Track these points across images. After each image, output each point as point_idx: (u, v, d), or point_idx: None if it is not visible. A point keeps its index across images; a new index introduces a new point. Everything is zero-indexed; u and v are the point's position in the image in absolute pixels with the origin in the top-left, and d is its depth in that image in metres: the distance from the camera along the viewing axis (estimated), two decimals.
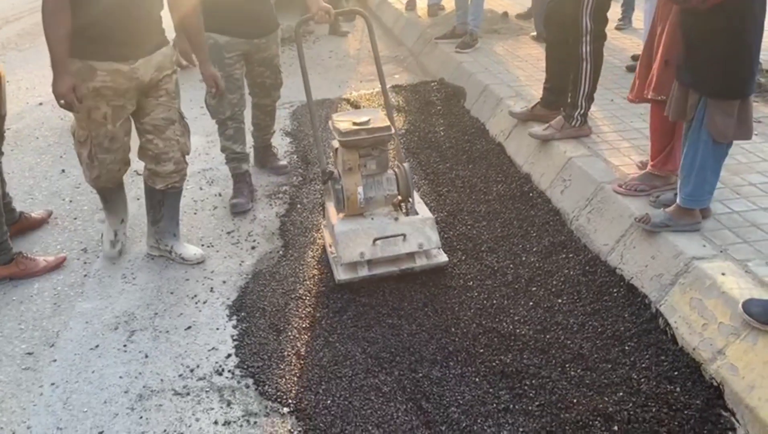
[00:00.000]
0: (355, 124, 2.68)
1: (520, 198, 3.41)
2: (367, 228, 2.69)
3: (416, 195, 2.85)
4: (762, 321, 2.02)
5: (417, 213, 2.77)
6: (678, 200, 2.53)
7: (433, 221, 2.74)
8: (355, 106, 5.04)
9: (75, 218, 3.48)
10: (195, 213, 3.52)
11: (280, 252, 3.12)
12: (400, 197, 2.80)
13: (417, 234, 2.69)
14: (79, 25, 2.44)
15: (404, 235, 2.67)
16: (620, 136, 3.54)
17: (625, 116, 3.78)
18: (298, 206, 3.54)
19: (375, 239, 2.66)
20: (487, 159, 3.88)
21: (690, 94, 2.40)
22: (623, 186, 2.91)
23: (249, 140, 3.77)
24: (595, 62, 3.29)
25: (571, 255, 2.88)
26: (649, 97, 2.76)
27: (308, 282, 2.84)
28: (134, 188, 3.69)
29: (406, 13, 7.14)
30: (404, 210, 2.79)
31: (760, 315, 2.03)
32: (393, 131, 2.74)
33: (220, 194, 3.71)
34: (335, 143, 2.85)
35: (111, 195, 3.05)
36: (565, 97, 3.50)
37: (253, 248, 3.18)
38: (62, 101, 2.52)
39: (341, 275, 2.71)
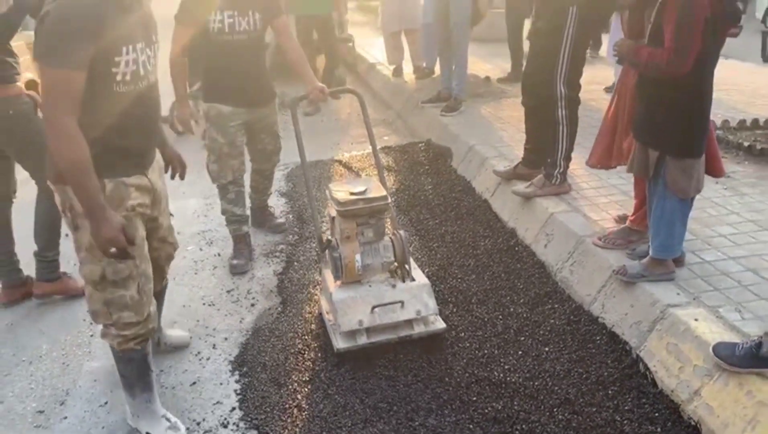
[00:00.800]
0: (352, 194, 2.74)
1: (506, 252, 3.59)
2: (365, 296, 2.72)
3: (412, 261, 2.90)
4: (730, 363, 2.17)
5: (413, 279, 2.80)
6: (650, 252, 2.72)
7: (430, 288, 2.78)
8: (347, 167, 5.26)
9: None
10: (195, 273, 3.66)
11: (279, 309, 3.25)
12: (396, 264, 2.84)
13: (414, 301, 2.72)
14: (101, 139, 2.02)
15: (402, 302, 2.70)
16: (598, 192, 3.76)
17: (602, 174, 4.00)
18: (295, 263, 3.69)
19: (373, 307, 2.68)
20: (474, 215, 4.08)
21: (650, 153, 2.62)
22: (602, 240, 3.10)
23: (247, 202, 3.95)
24: (571, 125, 3.53)
25: (556, 306, 3.04)
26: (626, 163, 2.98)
27: (306, 337, 2.97)
28: None
29: (393, 78, 7.48)
30: (401, 277, 2.81)
31: (728, 357, 2.18)
32: (389, 200, 2.81)
33: (219, 254, 3.86)
34: (332, 212, 2.89)
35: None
36: (545, 157, 3.73)
37: (252, 305, 3.31)
38: (113, 249, 1.99)
39: (340, 343, 2.72)
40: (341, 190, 2.81)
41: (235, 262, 3.67)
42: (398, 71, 7.54)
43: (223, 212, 3.76)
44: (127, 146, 2.14)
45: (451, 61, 5.80)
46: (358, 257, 2.75)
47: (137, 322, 2.26)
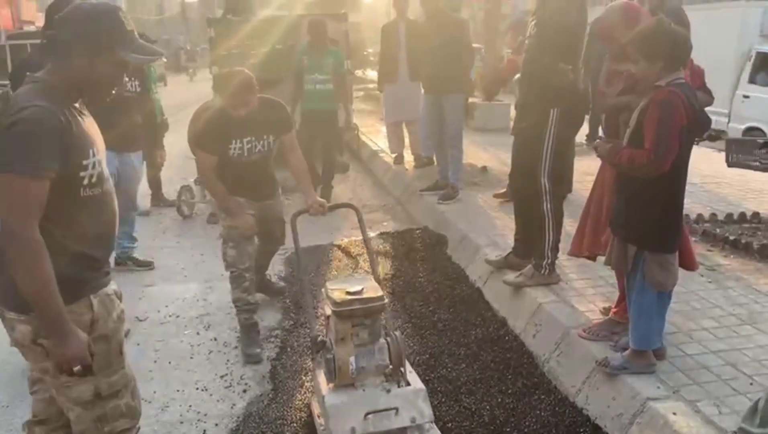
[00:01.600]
0: (348, 293, 2.69)
1: (497, 341, 3.65)
2: (359, 401, 2.61)
3: (408, 364, 2.80)
4: None
5: (409, 384, 2.69)
6: (630, 344, 2.79)
7: (426, 394, 2.67)
8: (346, 252, 5.40)
9: None
10: (191, 358, 3.72)
11: (270, 395, 3.30)
12: (392, 367, 2.73)
13: (409, 407, 2.62)
14: (76, 251, 1.95)
15: (396, 409, 2.59)
16: (586, 283, 3.86)
17: (591, 265, 4.10)
18: (289, 349, 3.76)
19: (367, 414, 2.57)
20: (466, 303, 4.17)
21: (628, 247, 2.75)
22: (586, 331, 3.18)
23: None
24: (557, 218, 3.68)
25: (543, 396, 3.08)
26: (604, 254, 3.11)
27: (295, 424, 3.01)
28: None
29: (394, 166, 7.75)
30: (396, 381, 2.71)
31: None
32: (386, 300, 2.76)
33: (215, 339, 3.94)
34: (327, 310, 2.84)
35: None
36: (534, 248, 3.86)
37: (244, 391, 3.36)
38: (78, 367, 1.90)
39: None
40: (338, 289, 2.75)
41: (250, 352, 3.69)
42: (399, 159, 7.83)
43: (236, 301, 3.80)
44: (98, 257, 2.03)
45: (446, 152, 6.05)
46: (352, 359, 2.66)
47: (131, 427, 2.15)
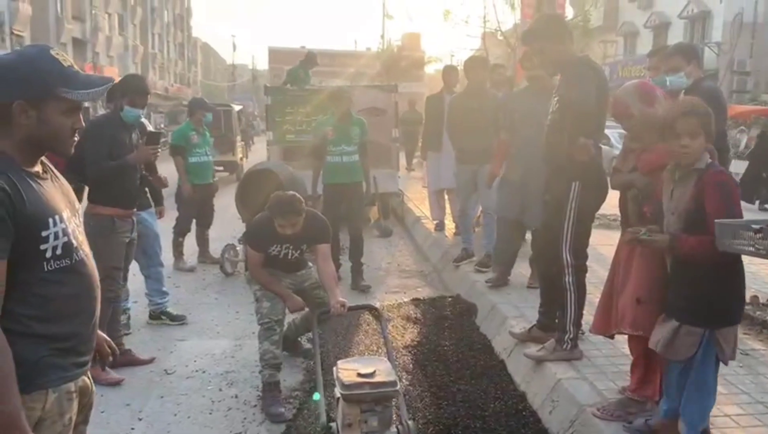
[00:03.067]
0: (359, 375, 2.57)
1: (514, 416, 3.57)
2: None
3: None
4: None
5: None
6: (686, 426, 2.68)
7: None
8: (377, 317, 5.41)
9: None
10: (210, 413, 3.80)
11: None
12: None
13: None
14: (37, 335, 1.71)
15: None
16: (609, 361, 3.76)
17: (617, 342, 4.01)
18: (305, 411, 3.78)
19: None
20: (488, 375, 4.11)
21: (690, 332, 2.62)
22: (600, 410, 3.09)
23: None
24: (579, 292, 3.64)
25: None
26: (626, 333, 3.08)
27: None
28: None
29: (435, 233, 7.83)
30: None
31: None
32: (399, 386, 2.61)
33: (236, 396, 4.01)
34: (337, 392, 2.72)
35: None
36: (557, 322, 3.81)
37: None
38: None
39: None
40: (349, 369, 2.64)
41: (273, 411, 3.72)
42: (440, 226, 7.91)
43: (264, 354, 3.87)
44: (65, 337, 1.76)
45: (469, 221, 6.19)
46: None
47: None
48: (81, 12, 35.69)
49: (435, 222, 8.02)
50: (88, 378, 1.94)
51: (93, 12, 37.22)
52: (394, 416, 2.61)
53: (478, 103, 5.97)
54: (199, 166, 6.97)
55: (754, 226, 2.26)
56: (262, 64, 58.36)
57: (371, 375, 2.56)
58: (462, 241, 6.45)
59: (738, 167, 15.20)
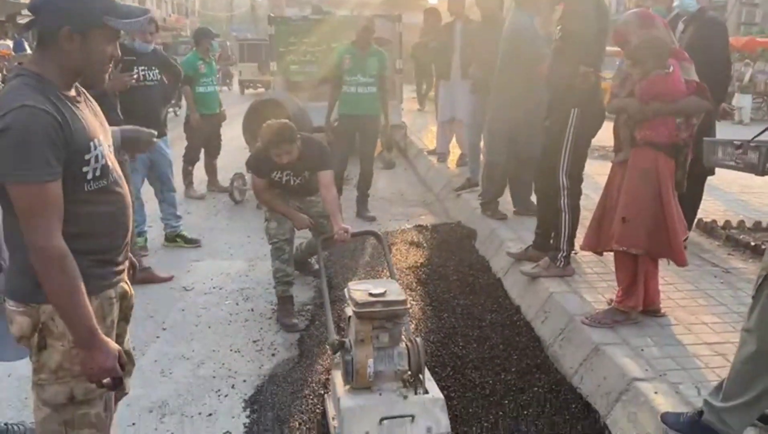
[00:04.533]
0: (371, 295, 2.66)
1: (509, 326, 3.88)
2: (375, 405, 2.58)
3: (427, 372, 2.75)
4: (675, 429, 2.41)
5: (427, 392, 2.64)
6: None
7: (444, 403, 2.62)
8: (380, 241, 5.68)
9: None
10: (229, 324, 4.10)
11: (296, 360, 3.63)
12: (410, 373, 2.70)
13: (426, 416, 2.56)
14: (80, 249, 1.83)
15: (413, 416, 2.54)
16: (599, 277, 4.04)
17: (608, 261, 4.28)
18: (317, 322, 4.09)
19: (382, 419, 2.54)
20: (486, 292, 4.41)
21: None
22: (589, 319, 3.37)
23: None
24: (573, 214, 3.88)
25: (543, 376, 3.30)
26: (613, 249, 3.32)
27: (314, 385, 3.33)
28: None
29: (437, 164, 8.02)
30: (414, 388, 2.66)
31: (673, 424, 2.42)
32: (409, 305, 2.73)
33: (252, 309, 4.31)
34: (348, 310, 2.84)
35: None
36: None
37: (273, 355, 3.71)
38: (107, 380, 1.87)
39: None
40: (360, 290, 2.73)
41: (287, 322, 4.04)
42: (443, 157, 8.08)
43: (276, 272, 4.14)
44: (105, 251, 1.95)
45: (477, 151, 6.33)
46: (370, 362, 2.63)
47: None
48: None
49: (438, 153, 8.19)
50: (127, 283, 2.16)
51: None
52: (403, 333, 2.76)
53: (493, 34, 6.01)
54: (206, 96, 7.09)
55: (735, 142, 2.46)
56: None
57: (382, 294, 2.66)
58: (469, 170, 6.64)
59: (742, 101, 15.24)
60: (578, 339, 3.34)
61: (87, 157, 1.81)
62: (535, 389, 3.19)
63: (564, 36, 3.77)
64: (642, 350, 3.10)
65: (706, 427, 2.33)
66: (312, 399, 3.19)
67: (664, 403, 2.61)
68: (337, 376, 2.78)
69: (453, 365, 3.47)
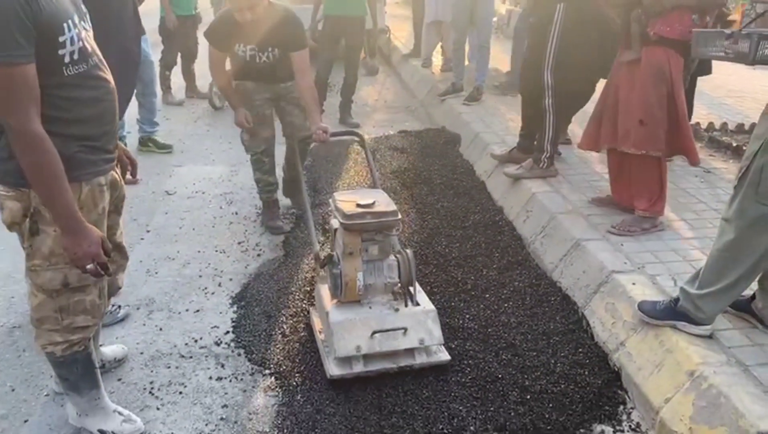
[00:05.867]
0: (359, 206, 2.53)
1: (491, 226, 3.93)
2: (365, 319, 2.51)
3: (418, 285, 2.69)
4: (651, 316, 2.50)
5: (418, 304, 2.59)
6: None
7: (436, 314, 2.58)
8: (363, 146, 5.63)
9: None
10: (213, 226, 4.11)
11: (281, 260, 3.67)
12: (401, 286, 2.63)
13: (418, 328, 2.52)
14: (64, 135, 1.84)
15: (405, 329, 2.49)
16: (582, 177, 4.07)
17: (591, 161, 4.31)
18: (301, 224, 4.10)
19: (373, 332, 2.48)
20: (470, 194, 4.43)
21: None
22: (616, 227, 3.29)
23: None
24: (557, 114, 3.84)
25: (524, 271, 3.38)
26: (631, 151, 3.21)
27: (299, 282, 3.37)
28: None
29: (421, 69, 7.85)
30: (405, 300, 2.60)
31: (649, 312, 2.50)
32: (399, 216, 2.60)
33: (236, 213, 4.31)
34: (334, 223, 2.69)
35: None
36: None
37: (258, 255, 3.74)
38: (91, 264, 1.87)
39: (334, 369, 2.50)
40: (347, 201, 2.59)
41: (273, 224, 4.00)
42: (427, 63, 7.90)
43: (257, 181, 4.05)
44: (93, 137, 1.92)
45: (462, 55, 6.16)
46: (360, 275, 2.53)
47: (91, 325, 2.09)
48: None
49: (423, 58, 8.00)
50: (116, 173, 2.14)
51: None
52: (392, 244, 2.64)
53: None
54: None
55: (726, 32, 2.41)
56: None
57: (371, 205, 2.54)
58: (453, 75, 6.51)
59: None
60: (559, 236, 3.40)
61: (62, 39, 1.76)
62: (516, 283, 3.27)
63: None
64: (621, 245, 3.17)
65: (681, 313, 2.42)
66: (298, 295, 3.25)
67: (641, 294, 2.69)
68: (324, 289, 2.70)
69: (436, 263, 3.53)
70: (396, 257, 2.64)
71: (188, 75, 7.24)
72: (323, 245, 3.58)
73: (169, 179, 4.87)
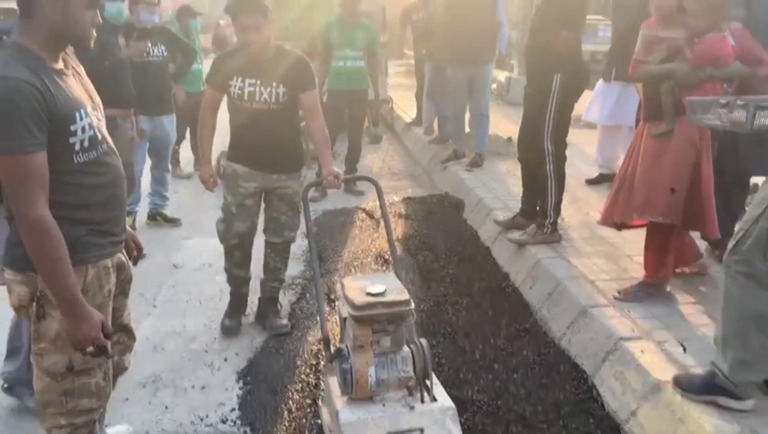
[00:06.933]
0: (369, 294, 2.37)
1: (497, 293, 3.92)
2: (378, 419, 2.31)
3: (434, 377, 2.49)
4: (688, 391, 2.42)
5: (435, 400, 2.38)
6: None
7: (455, 412, 2.37)
8: (371, 216, 5.71)
9: None
10: (219, 299, 4.08)
11: (288, 333, 3.65)
12: (416, 380, 2.43)
13: (436, 428, 2.30)
14: (72, 219, 1.90)
15: (421, 430, 2.29)
16: (587, 243, 4.09)
17: (595, 227, 4.33)
18: (307, 295, 4.11)
19: None
20: (475, 261, 4.44)
21: None
22: (621, 294, 3.29)
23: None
24: (558, 179, 3.91)
25: (532, 340, 3.35)
26: (659, 220, 3.19)
27: (306, 356, 3.36)
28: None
29: (424, 137, 8.01)
30: (421, 396, 2.39)
31: (686, 387, 2.44)
32: (413, 305, 2.43)
33: None
34: (344, 312, 2.51)
35: None
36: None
37: (264, 329, 3.73)
38: (91, 348, 1.90)
39: None
40: (356, 288, 2.44)
41: (226, 322, 3.63)
42: (429, 130, 8.07)
43: (225, 271, 3.66)
44: (100, 222, 1.97)
45: (462, 123, 6.39)
46: (371, 370, 2.36)
47: (96, 408, 2.08)
48: None
49: (425, 126, 8.18)
50: (124, 255, 2.18)
51: None
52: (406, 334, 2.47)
53: (471, 3, 5.97)
54: (190, 73, 7.00)
55: (721, 101, 2.45)
56: None
57: (382, 293, 2.37)
58: (453, 142, 6.65)
59: None
60: (566, 303, 3.39)
61: (73, 127, 1.83)
62: (525, 352, 3.24)
63: (546, 2, 3.76)
64: (628, 310, 3.15)
65: (719, 387, 2.35)
66: (304, 370, 3.22)
67: (650, 362, 2.66)
68: (333, 383, 2.51)
69: (443, 332, 3.51)
70: (410, 348, 2.44)
71: (197, 149, 7.40)
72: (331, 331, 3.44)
73: (177, 252, 4.92)
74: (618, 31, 5.20)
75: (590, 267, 3.69)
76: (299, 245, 4.86)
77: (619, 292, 3.32)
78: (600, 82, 5.64)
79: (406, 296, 2.39)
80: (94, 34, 1.93)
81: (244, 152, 3.40)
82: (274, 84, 3.22)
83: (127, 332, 2.38)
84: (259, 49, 3.17)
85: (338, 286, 2.59)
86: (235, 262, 3.58)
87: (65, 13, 1.80)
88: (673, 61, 3.12)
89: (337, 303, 2.69)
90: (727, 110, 2.42)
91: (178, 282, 4.36)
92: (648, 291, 3.28)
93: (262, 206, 3.58)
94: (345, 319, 2.48)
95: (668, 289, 3.32)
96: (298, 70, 3.27)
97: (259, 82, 3.22)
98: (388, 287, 2.41)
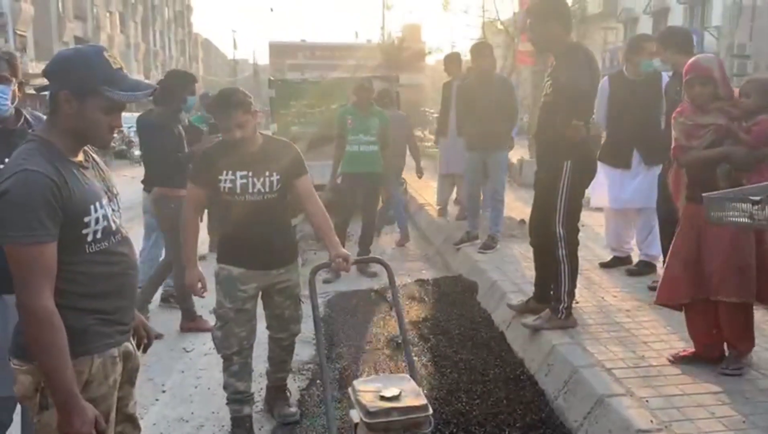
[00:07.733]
0: (383, 398, 2.22)
1: (512, 380, 3.82)
2: None
3: None
4: None
5: None
6: None
7: None
8: (384, 297, 5.67)
9: None
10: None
11: (297, 420, 3.57)
12: None
13: None
14: (81, 309, 1.91)
15: None
16: (602, 328, 4.01)
17: (611, 312, 4.28)
18: (317, 381, 4.04)
19: None
20: (489, 346, 4.36)
21: None
22: (725, 368, 3.26)
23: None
24: (571, 264, 3.88)
25: (548, 431, 3.24)
26: (733, 301, 3.18)
27: None
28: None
29: (438, 218, 8.08)
30: None
31: None
32: (431, 410, 2.27)
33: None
34: (354, 416, 2.33)
35: None
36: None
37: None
38: None
39: None
40: (368, 391, 2.28)
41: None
42: (443, 211, 8.15)
43: (225, 387, 3.37)
44: (109, 311, 1.96)
45: (477, 205, 6.43)
46: None
47: None
48: (82, 11, 36.05)
49: (438, 207, 8.26)
50: (132, 344, 2.17)
51: (94, 11, 37.61)
52: None
53: (485, 89, 6.15)
54: None
55: (752, 197, 2.34)
56: (263, 59, 58.38)
57: (397, 397, 2.23)
58: (468, 225, 6.69)
59: None
60: (582, 392, 3.29)
61: (86, 219, 1.87)
62: None
63: (556, 90, 3.86)
64: (647, 401, 3.05)
65: None
66: None
67: None
68: None
69: (457, 422, 3.40)
70: None
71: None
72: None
73: (187, 336, 4.89)
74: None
75: (606, 354, 3.60)
76: (309, 328, 4.83)
77: (723, 367, 3.28)
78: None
79: (423, 400, 2.24)
80: (114, 136, 2.01)
81: (239, 252, 3.21)
82: (267, 173, 3.13)
83: (132, 422, 2.33)
84: (246, 142, 3.09)
85: (349, 390, 2.41)
86: (235, 372, 3.32)
87: (81, 115, 1.87)
88: (721, 145, 3.19)
89: (350, 411, 2.45)
90: (759, 207, 2.34)
91: (188, 367, 4.32)
92: (745, 362, 3.31)
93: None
94: (356, 425, 2.29)
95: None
96: (288, 156, 3.20)
97: (250, 173, 3.11)
98: (404, 390, 2.26)
